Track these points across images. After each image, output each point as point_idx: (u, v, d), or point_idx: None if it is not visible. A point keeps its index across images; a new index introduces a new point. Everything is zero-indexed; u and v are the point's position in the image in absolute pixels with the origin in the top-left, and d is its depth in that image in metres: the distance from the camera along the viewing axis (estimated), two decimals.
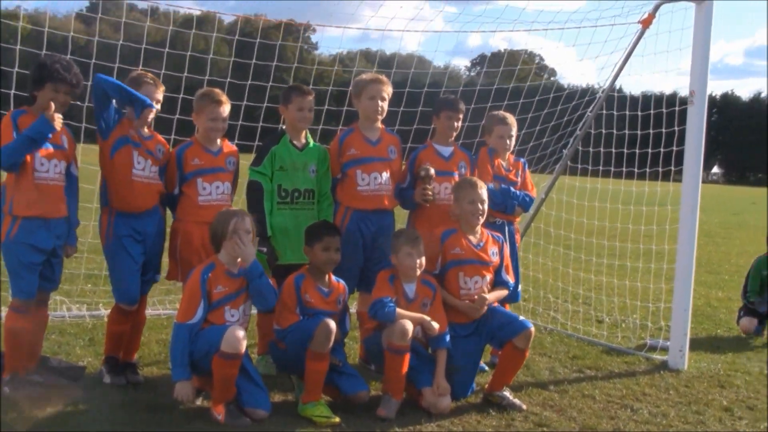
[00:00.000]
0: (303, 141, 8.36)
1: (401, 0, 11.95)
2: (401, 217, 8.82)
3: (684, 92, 10.34)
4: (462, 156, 8.91)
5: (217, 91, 8.18)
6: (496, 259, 8.10)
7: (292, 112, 8.30)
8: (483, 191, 8.05)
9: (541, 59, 20.83)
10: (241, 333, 6.70)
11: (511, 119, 9.24)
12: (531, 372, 8.80)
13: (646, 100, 11.76)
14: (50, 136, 7.13)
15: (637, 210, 11.39)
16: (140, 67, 8.90)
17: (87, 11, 12.65)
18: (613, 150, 11.60)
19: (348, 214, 8.36)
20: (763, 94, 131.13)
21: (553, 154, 12.26)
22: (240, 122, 10.82)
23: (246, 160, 8.44)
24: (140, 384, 7.67)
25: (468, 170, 8.81)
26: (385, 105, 8.50)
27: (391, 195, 8.50)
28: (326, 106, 11.50)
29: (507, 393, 7.72)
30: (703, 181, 9.64)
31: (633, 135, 11.48)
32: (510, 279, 8.27)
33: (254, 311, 8.01)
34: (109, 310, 8.49)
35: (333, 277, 7.59)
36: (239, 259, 7.08)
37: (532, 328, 7.71)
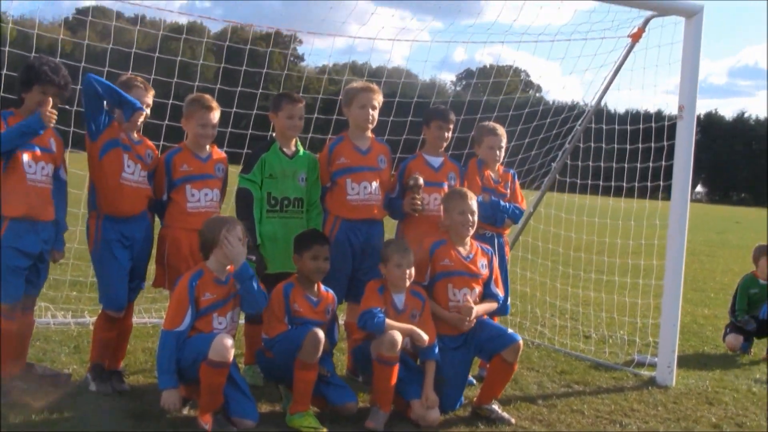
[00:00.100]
0: (293, 149, 8.30)
1: (388, 11, 11.91)
2: (390, 227, 8.76)
3: (668, 110, 10.37)
4: (452, 167, 8.87)
5: (208, 96, 8.13)
6: (485, 271, 8.06)
7: (282, 120, 8.24)
8: (473, 202, 8.01)
9: (527, 75, 20.89)
10: (229, 341, 6.63)
11: (501, 130, 9.22)
12: (519, 386, 8.75)
13: (633, 118, 11.78)
14: (41, 132, 7.06)
15: (625, 225, 11.39)
16: (130, 72, 8.83)
17: (74, 19, 12.58)
18: (602, 164, 11.61)
19: (337, 223, 8.30)
20: (747, 114, 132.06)
21: (541, 167, 12.24)
22: (229, 129, 10.75)
23: (234, 169, 8.38)
24: (126, 392, 7.58)
25: (457, 181, 8.77)
26: (376, 114, 8.47)
27: (381, 204, 8.45)
28: (315, 114, 11.43)
29: (496, 406, 7.67)
30: None
31: (621, 149, 11.46)
32: (499, 292, 8.22)
33: (242, 321, 7.95)
34: (94, 318, 8.43)
35: (322, 287, 7.53)
36: (228, 266, 7.01)
37: (521, 342, 7.67)
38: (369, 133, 8.53)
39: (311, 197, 8.35)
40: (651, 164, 10.79)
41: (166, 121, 10.32)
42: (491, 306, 8.09)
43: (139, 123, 7.74)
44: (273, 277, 7.76)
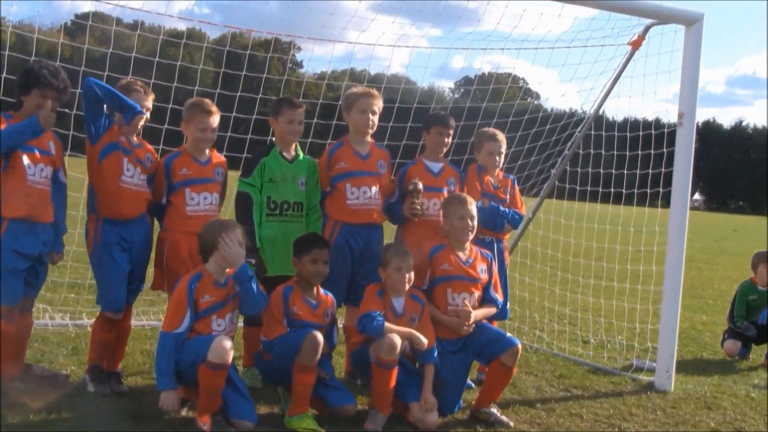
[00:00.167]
0: (293, 153, 8.31)
1: (387, 18, 11.92)
2: (389, 232, 8.76)
3: (667, 118, 10.39)
4: (451, 172, 8.88)
5: (207, 101, 8.16)
6: (484, 276, 8.06)
7: (282, 125, 8.25)
8: (472, 207, 8.01)
9: (525, 82, 20.95)
10: (228, 343, 6.63)
11: (501, 136, 9.22)
12: (518, 390, 8.76)
13: (632, 125, 11.79)
14: (40, 135, 7.05)
15: (624, 231, 11.40)
16: (129, 77, 8.83)
17: (72, 25, 12.59)
18: (601, 170, 11.63)
19: (336, 227, 8.30)
20: (745, 123, 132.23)
21: (540, 173, 12.26)
22: (229, 133, 10.75)
23: (232, 173, 8.39)
24: (124, 393, 7.58)
25: (457, 187, 8.77)
26: (376, 119, 8.47)
27: (380, 209, 8.45)
28: (315, 119, 11.45)
29: (494, 410, 7.68)
30: None
31: (621, 156, 11.47)
32: (498, 297, 8.22)
33: (240, 324, 7.95)
34: (92, 320, 8.43)
35: (321, 290, 7.54)
36: (228, 269, 7.01)
37: (519, 345, 7.68)
38: (369, 138, 8.54)
39: (311, 201, 8.35)
40: (651, 171, 10.81)
41: (166, 125, 10.33)
42: (490, 311, 8.09)
43: (139, 126, 7.75)
44: (272, 281, 7.75)
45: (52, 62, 7.71)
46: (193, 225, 7.57)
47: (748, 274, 12.38)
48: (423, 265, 7.87)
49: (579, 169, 11.81)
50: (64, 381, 7.67)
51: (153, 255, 8.01)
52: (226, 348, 6.57)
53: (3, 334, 7.04)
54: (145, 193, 7.78)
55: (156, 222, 8.08)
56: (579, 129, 11.70)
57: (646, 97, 11.22)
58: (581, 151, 11.71)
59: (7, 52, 9.35)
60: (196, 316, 6.85)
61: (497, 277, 8.31)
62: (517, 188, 9.35)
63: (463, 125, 11.17)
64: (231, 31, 12.78)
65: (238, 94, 11.46)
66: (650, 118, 11.46)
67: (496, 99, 13.08)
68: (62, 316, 10.31)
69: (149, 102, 7.87)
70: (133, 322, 8.92)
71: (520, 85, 19.44)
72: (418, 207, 8.34)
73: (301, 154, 8.39)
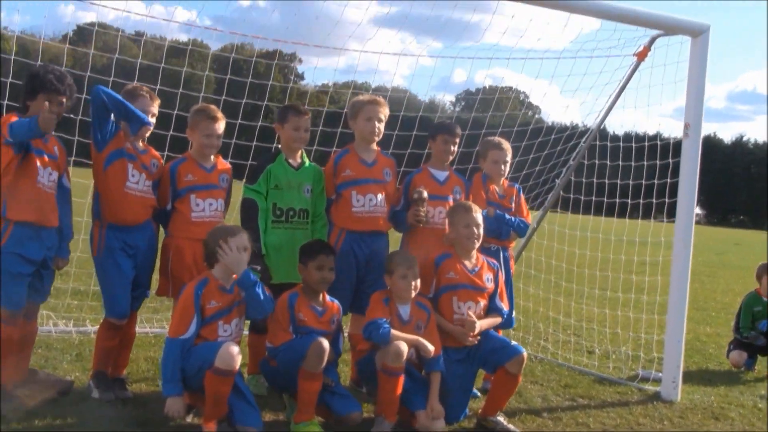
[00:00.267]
0: (299, 160, 8.29)
1: (389, 32, 11.92)
2: (395, 240, 8.74)
3: (671, 133, 10.37)
4: (457, 181, 8.86)
5: (213, 107, 8.15)
6: (490, 285, 8.03)
7: (287, 132, 8.23)
8: (478, 215, 7.98)
9: (526, 96, 20.99)
10: (235, 349, 6.59)
11: (506, 145, 9.20)
12: (524, 399, 8.72)
13: (638, 137, 11.77)
14: (39, 136, 6.98)
15: (630, 241, 11.37)
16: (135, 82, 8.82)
17: (74, 35, 12.60)
18: (606, 181, 11.60)
19: (342, 235, 8.28)
20: (746, 138, 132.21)
21: (545, 183, 12.23)
22: (234, 140, 10.73)
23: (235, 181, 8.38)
24: (129, 399, 7.53)
25: (462, 195, 8.75)
26: (382, 127, 8.46)
27: (386, 217, 8.43)
28: (320, 127, 11.43)
29: (501, 418, 7.65)
30: None
31: (626, 166, 11.44)
32: (504, 306, 8.17)
33: (245, 332, 7.92)
34: (96, 327, 8.41)
35: (327, 297, 7.50)
36: (234, 274, 6.98)
37: (525, 354, 7.63)
38: (375, 146, 8.52)
39: (316, 209, 8.33)
40: (656, 181, 10.79)
41: (171, 131, 10.33)
42: (495, 320, 8.05)
43: (146, 136, 7.74)
44: (277, 288, 7.70)
45: (59, 67, 7.70)
46: (198, 231, 7.54)
47: (750, 287, 12.36)
48: (429, 274, 7.83)
49: (584, 180, 11.77)
50: (69, 387, 7.62)
51: (158, 262, 7.98)
52: (234, 354, 6.53)
53: (5, 339, 7.01)
54: (150, 199, 7.76)
55: (161, 228, 8.04)
56: (584, 139, 11.67)
57: (652, 108, 11.22)
58: (586, 162, 11.68)
59: (12, 57, 9.34)
60: (203, 321, 6.81)
61: (503, 286, 8.27)
62: (522, 197, 9.32)
63: (467, 134, 11.14)
64: (233, 42, 12.79)
65: (243, 100, 11.45)
66: (655, 129, 11.48)
67: (497, 115, 13.06)
68: (66, 322, 10.27)
69: (155, 107, 7.85)
70: (137, 329, 8.89)
71: (522, 99, 19.46)
72: (423, 215, 8.30)
73: (307, 161, 8.37)
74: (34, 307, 7.48)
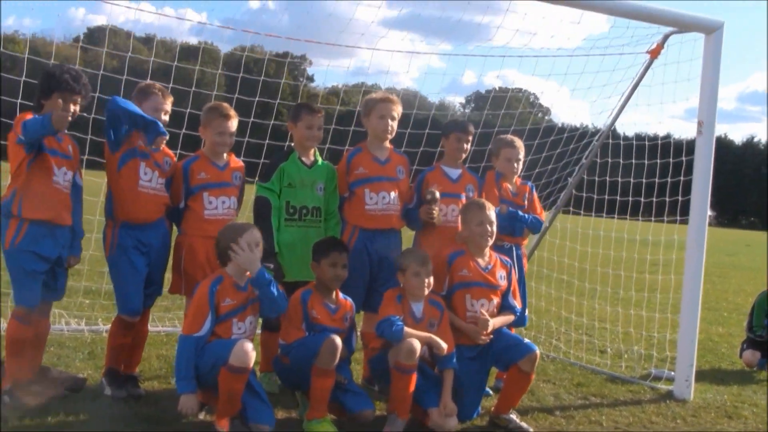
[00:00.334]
0: (312, 159, 8.28)
1: (399, 33, 11.92)
2: (408, 238, 8.72)
3: (677, 135, 10.32)
4: (470, 179, 8.83)
5: (225, 105, 8.14)
6: (503, 282, 8.01)
7: (300, 130, 8.21)
8: (491, 213, 7.96)
9: (536, 98, 20.99)
10: (250, 346, 6.58)
11: (519, 142, 9.18)
12: (536, 397, 8.71)
13: (651, 136, 11.76)
14: (52, 134, 6.98)
15: (642, 240, 11.34)
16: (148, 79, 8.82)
17: (85, 38, 12.61)
18: (619, 179, 11.57)
19: (355, 233, 8.27)
20: (756, 139, 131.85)
21: (558, 182, 12.20)
22: (246, 138, 10.72)
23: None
24: (141, 397, 7.53)
25: (475, 193, 8.72)
26: (395, 124, 8.44)
27: (399, 215, 8.41)
28: (333, 125, 11.41)
29: (514, 416, 7.63)
30: None
31: (639, 165, 11.42)
32: (517, 304, 8.16)
33: (258, 330, 7.92)
34: (108, 326, 8.40)
35: (340, 295, 7.48)
36: (247, 272, 6.97)
37: (538, 351, 7.62)
38: (387, 144, 8.50)
39: (329, 207, 8.32)
40: (669, 179, 10.76)
41: (183, 130, 10.34)
42: (508, 318, 8.02)
43: (161, 145, 7.74)
44: (290, 286, 7.69)
45: (74, 66, 7.70)
46: (211, 229, 7.52)
47: (762, 288, 12.27)
48: (442, 271, 7.82)
49: (596, 178, 11.75)
50: (82, 384, 7.63)
51: (170, 259, 7.98)
52: (248, 351, 6.52)
53: (20, 336, 7.04)
54: (164, 197, 7.75)
55: (174, 226, 8.05)
56: (597, 137, 11.65)
57: (665, 106, 11.18)
58: (599, 160, 11.65)
59: (26, 55, 9.36)
60: (217, 319, 6.80)
61: (516, 284, 8.25)
62: (535, 194, 9.30)
63: (479, 132, 11.13)
64: (243, 45, 12.78)
65: (256, 98, 11.44)
66: (667, 129, 11.46)
67: (508, 116, 13.03)
68: (78, 321, 10.29)
69: (168, 105, 7.83)
70: (149, 327, 8.91)
71: (532, 100, 19.46)
72: (435, 214, 8.28)
73: (320, 160, 8.36)
74: (47, 305, 7.50)
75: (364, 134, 8.64)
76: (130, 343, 7.77)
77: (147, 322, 8.14)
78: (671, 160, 10.75)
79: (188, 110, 10.50)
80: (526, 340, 7.80)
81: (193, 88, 10.93)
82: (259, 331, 8.03)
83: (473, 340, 7.72)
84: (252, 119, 11.08)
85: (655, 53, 10.78)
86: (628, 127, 12.50)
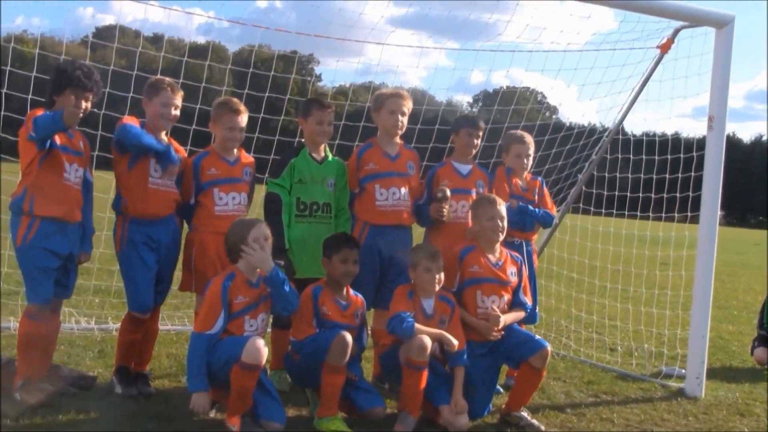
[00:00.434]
0: (322, 154, 8.25)
1: (406, 32, 11.89)
2: (418, 234, 8.68)
3: (685, 134, 10.29)
4: (480, 175, 8.79)
5: (235, 100, 8.11)
6: (514, 279, 7.97)
7: (311, 126, 8.19)
8: (502, 208, 7.93)
9: (544, 96, 20.99)
10: (262, 343, 6.55)
11: (529, 138, 9.16)
12: (546, 395, 8.67)
13: (660, 133, 11.73)
14: (64, 130, 6.98)
15: (653, 236, 11.29)
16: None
17: (93, 37, 12.61)
18: (629, 175, 11.52)
19: (366, 228, 8.23)
20: (765, 137, 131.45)
21: (567, 179, 12.17)
22: (256, 134, 10.69)
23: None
24: (152, 395, 7.52)
25: (486, 189, 8.68)
26: (405, 120, 8.41)
27: (410, 210, 8.38)
28: (343, 121, 11.37)
29: (525, 413, 7.59)
30: None
31: (650, 161, 11.37)
32: (527, 300, 8.13)
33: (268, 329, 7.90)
34: (118, 324, 8.39)
35: (351, 291, 7.46)
36: (258, 269, 6.94)
37: (549, 348, 7.58)
38: (398, 139, 8.47)
39: (340, 203, 8.29)
40: (680, 174, 10.71)
41: (194, 125, 10.33)
42: (519, 315, 7.98)
43: (175, 174, 7.71)
44: (301, 282, 7.66)
45: (85, 62, 7.68)
46: (221, 225, 7.47)
47: None
48: (453, 267, 7.78)
49: (606, 174, 11.71)
50: (92, 382, 7.62)
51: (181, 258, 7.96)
52: (260, 348, 6.49)
53: (32, 334, 7.03)
54: (174, 194, 7.73)
55: (185, 223, 8.02)
56: (607, 133, 11.60)
57: (675, 101, 11.13)
58: (609, 156, 11.61)
59: (37, 50, 9.35)
60: (230, 316, 6.78)
61: (527, 281, 8.22)
62: (546, 189, 9.28)
63: (491, 128, 11.09)
64: (251, 44, 12.76)
65: (266, 94, 11.42)
66: (677, 124, 11.44)
67: (516, 114, 12.99)
68: (88, 320, 10.28)
69: (178, 99, 7.77)
70: (159, 326, 8.91)
71: (540, 99, 19.46)
72: (444, 212, 8.24)
73: (330, 155, 8.33)
74: (58, 303, 7.50)
75: (374, 131, 8.60)
76: (140, 341, 7.74)
77: (157, 319, 8.11)
78: (682, 155, 10.70)
79: (198, 106, 10.46)
80: (537, 337, 7.76)
81: (204, 84, 10.90)
82: (269, 330, 8.01)
83: (484, 336, 7.69)
84: (262, 114, 11.03)
85: (665, 48, 10.75)
86: (638, 123, 12.47)
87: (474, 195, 8.49)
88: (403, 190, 8.28)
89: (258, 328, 6.95)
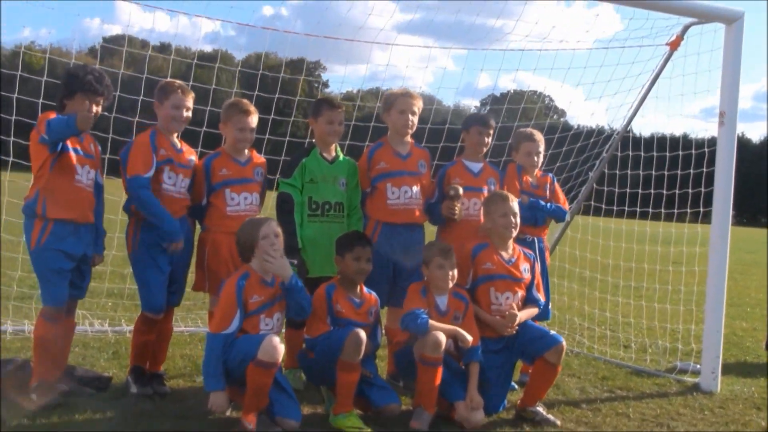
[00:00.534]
0: (333, 154, 8.27)
1: (411, 38, 11.90)
2: (430, 232, 8.68)
3: (692, 135, 10.28)
4: (491, 173, 8.78)
5: (245, 101, 8.13)
6: (527, 275, 7.97)
7: (321, 125, 8.20)
8: (514, 204, 7.92)
9: (551, 100, 21.01)
10: (278, 341, 6.55)
11: (539, 136, 9.15)
12: (561, 391, 8.66)
13: (672, 130, 11.72)
14: (76, 134, 6.99)
15: (665, 232, 11.27)
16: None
17: (100, 47, 12.63)
18: (641, 172, 11.52)
19: (378, 227, 8.23)
20: None
21: (578, 176, 12.16)
22: (267, 135, 10.71)
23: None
24: (167, 394, 7.55)
25: (497, 187, 8.66)
26: (416, 119, 8.41)
27: (421, 209, 8.38)
28: (353, 122, 11.39)
29: (540, 408, 7.58)
30: None
31: (661, 157, 11.36)
32: (541, 297, 8.12)
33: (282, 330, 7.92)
34: (131, 326, 8.41)
35: (364, 289, 7.47)
36: (275, 275, 6.95)
37: (564, 343, 7.56)
38: (408, 138, 8.48)
39: (352, 202, 8.30)
40: (692, 170, 10.71)
41: (204, 128, 10.36)
42: (533, 311, 7.97)
43: (179, 250, 7.66)
44: (314, 281, 7.68)
45: (96, 67, 7.71)
46: (233, 225, 7.47)
47: None
48: (465, 265, 7.78)
49: (617, 172, 11.71)
50: (107, 382, 7.65)
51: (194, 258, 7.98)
52: (276, 346, 6.49)
53: (47, 336, 7.06)
54: (185, 200, 7.76)
55: (197, 224, 8.04)
56: (617, 132, 11.59)
57: (686, 98, 11.12)
58: (619, 153, 11.61)
59: (48, 55, 9.39)
60: (245, 315, 6.80)
61: (539, 277, 8.21)
62: (557, 185, 9.27)
63: (501, 126, 11.10)
64: (258, 52, 12.79)
65: (276, 95, 11.45)
66: (687, 124, 11.43)
67: (524, 117, 12.98)
68: (101, 322, 10.30)
69: (189, 101, 7.79)
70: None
71: (547, 102, 19.47)
72: (456, 210, 8.25)
73: (341, 155, 8.34)
74: (73, 304, 7.53)
75: (384, 132, 8.60)
76: (155, 341, 7.76)
77: (171, 320, 8.11)
78: (693, 151, 10.70)
79: (208, 108, 10.49)
80: (552, 332, 7.76)
81: (213, 86, 10.93)
82: (282, 330, 8.02)
83: (499, 332, 7.68)
84: (272, 116, 11.05)
85: (675, 45, 10.73)
86: (647, 121, 12.48)
87: (485, 193, 8.48)
88: (415, 188, 8.28)
89: (273, 326, 6.96)
